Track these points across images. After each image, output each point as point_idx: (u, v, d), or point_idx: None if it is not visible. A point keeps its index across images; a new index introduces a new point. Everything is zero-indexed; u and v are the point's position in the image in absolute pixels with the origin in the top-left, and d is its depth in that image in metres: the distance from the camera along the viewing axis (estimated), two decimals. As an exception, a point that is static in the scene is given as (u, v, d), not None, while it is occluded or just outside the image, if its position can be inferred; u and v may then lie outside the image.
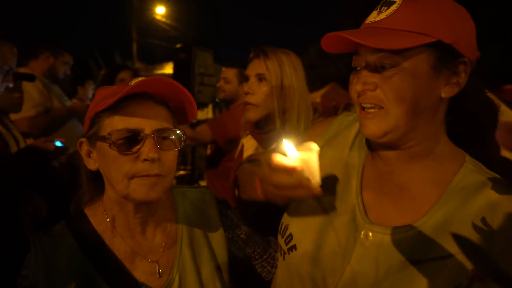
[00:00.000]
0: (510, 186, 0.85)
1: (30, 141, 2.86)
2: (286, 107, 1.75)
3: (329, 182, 1.01)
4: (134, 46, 17.24)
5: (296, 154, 0.89)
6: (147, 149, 0.94)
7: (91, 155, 1.03)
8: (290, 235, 1.02)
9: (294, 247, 1.00)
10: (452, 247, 0.82)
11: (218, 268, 1.11)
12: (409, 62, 0.84)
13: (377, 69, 0.87)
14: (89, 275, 0.98)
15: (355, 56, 0.92)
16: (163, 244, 1.09)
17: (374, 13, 0.91)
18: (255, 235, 1.25)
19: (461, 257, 0.81)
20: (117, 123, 0.96)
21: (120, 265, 1.02)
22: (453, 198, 0.87)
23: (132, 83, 0.97)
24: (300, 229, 1.01)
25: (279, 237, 1.07)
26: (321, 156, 0.94)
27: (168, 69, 10.64)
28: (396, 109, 0.86)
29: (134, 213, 1.03)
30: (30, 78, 2.79)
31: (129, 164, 0.95)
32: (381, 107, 0.88)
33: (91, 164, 1.03)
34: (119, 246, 1.04)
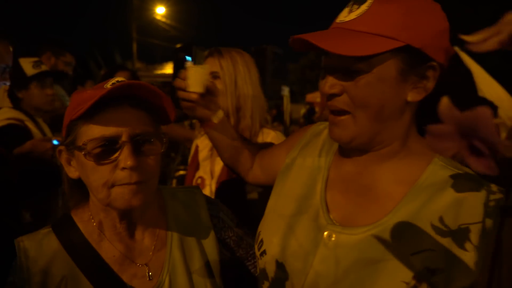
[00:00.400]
0: (476, 181, 0.84)
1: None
2: (240, 105, 1.79)
3: (296, 188, 1.03)
4: (134, 46, 17.25)
5: (190, 65, 1.21)
6: (124, 157, 0.90)
7: (71, 163, 0.99)
8: (261, 240, 1.03)
9: (264, 252, 1.00)
10: (415, 244, 0.81)
11: (209, 269, 1.10)
12: (376, 67, 0.82)
13: (344, 73, 0.85)
14: (77, 279, 0.96)
15: (325, 56, 0.90)
16: (153, 247, 1.06)
17: (346, 10, 0.87)
18: (248, 236, 1.23)
19: (424, 253, 0.79)
20: (92, 131, 0.92)
21: (108, 269, 0.99)
22: (419, 195, 0.86)
23: (108, 86, 0.93)
24: (268, 234, 1.02)
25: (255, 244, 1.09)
26: (294, 166, 1.06)
27: (168, 69, 10.64)
28: (362, 114, 0.86)
29: (120, 219, 1.01)
30: (62, 76, 2.80)
31: (108, 174, 0.91)
32: (348, 112, 0.87)
33: (72, 172, 0.99)
34: (107, 250, 1.02)
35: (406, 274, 0.79)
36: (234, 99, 1.78)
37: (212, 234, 1.14)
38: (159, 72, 11.46)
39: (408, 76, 0.84)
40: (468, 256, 0.77)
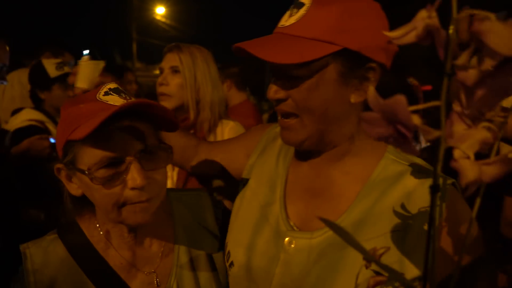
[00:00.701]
0: (426, 173, 0.87)
1: None
2: (199, 98, 1.86)
3: (257, 196, 1.04)
4: (134, 46, 17.26)
5: (83, 61, 1.23)
6: (132, 176, 0.86)
7: (72, 179, 0.93)
8: (229, 252, 1.03)
9: (232, 263, 1.00)
10: (373, 239, 0.83)
11: (216, 274, 1.08)
12: (316, 72, 0.83)
13: (286, 78, 0.86)
14: (83, 286, 0.95)
15: (270, 62, 0.86)
16: (160, 253, 1.04)
17: (287, 14, 0.86)
18: None
19: (382, 242, 0.81)
20: (93, 153, 0.85)
21: (116, 276, 0.98)
22: (372, 192, 0.88)
23: (101, 97, 0.89)
24: (234, 245, 1.02)
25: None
26: (253, 174, 1.06)
27: (168, 69, 10.63)
28: (308, 117, 0.86)
29: (128, 230, 0.99)
30: (121, 70, 2.79)
31: (117, 194, 0.87)
32: (296, 115, 0.88)
33: (74, 189, 0.94)
34: (114, 257, 0.99)
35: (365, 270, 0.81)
36: (194, 92, 1.84)
37: (217, 237, 1.13)
38: (159, 72, 11.44)
39: (349, 79, 0.84)
40: (417, 245, 0.79)
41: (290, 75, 0.85)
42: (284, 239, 0.92)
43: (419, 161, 0.93)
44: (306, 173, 0.99)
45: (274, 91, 0.88)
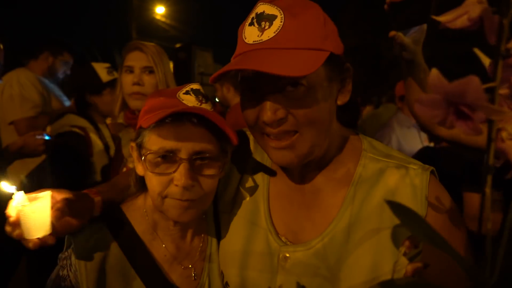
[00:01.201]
0: (404, 167, 0.89)
1: None
2: None
3: (241, 214, 1.03)
4: (134, 46, 17.23)
5: (19, 203, 0.86)
6: (179, 175, 0.91)
7: (140, 160, 1.01)
8: (222, 272, 1.04)
9: (227, 284, 1.01)
10: (367, 239, 0.85)
11: None
12: (313, 81, 0.83)
13: (282, 93, 0.83)
14: (129, 276, 0.99)
15: (251, 82, 0.85)
16: (198, 249, 1.09)
17: (253, 29, 0.83)
18: None
19: (375, 241, 0.84)
20: (154, 142, 0.94)
21: (159, 268, 1.02)
22: (357, 194, 0.89)
23: (181, 95, 0.95)
24: (226, 265, 1.02)
25: None
26: (237, 190, 1.04)
27: (168, 68, 10.64)
28: (309, 130, 0.84)
29: (173, 223, 1.05)
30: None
31: (163, 185, 0.94)
32: (296, 132, 0.85)
33: (140, 169, 1.02)
34: (158, 249, 1.04)
35: (366, 262, 0.83)
36: None
37: None
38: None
39: (334, 82, 0.87)
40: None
41: (287, 91, 0.82)
42: (278, 255, 0.92)
43: (394, 152, 0.94)
44: (289, 184, 0.99)
45: (273, 112, 0.82)
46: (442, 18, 0.48)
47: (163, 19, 20.42)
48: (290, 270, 0.90)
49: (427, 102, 0.43)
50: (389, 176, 0.89)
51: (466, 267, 0.41)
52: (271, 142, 0.87)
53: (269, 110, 0.82)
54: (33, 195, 0.89)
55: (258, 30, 0.82)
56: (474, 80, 0.39)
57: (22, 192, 0.88)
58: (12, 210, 0.87)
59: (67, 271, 0.98)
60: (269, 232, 0.95)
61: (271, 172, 1.03)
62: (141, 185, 1.06)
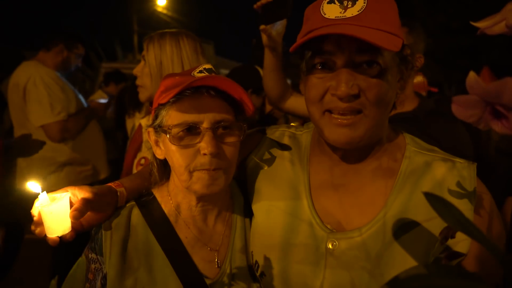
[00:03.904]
0: (449, 160, 0.92)
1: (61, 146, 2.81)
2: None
3: (278, 203, 1.02)
4: (135, 38, 17.20)
5: (40, 204, 0.91)
6: (205, 143, 0.95)
7: (158, 144, 1.05)
8: (256, 262, 1.03)
9: (263, 273, 1.00)
10: (416, 228, 0.86)
11: None
12: (388, 63, 0.85)
13: (358, 69, 0.84)
14: (154, 253, 1.02)
15: (326, 55, 0.86)
16: (222, 234, 1.10)
17: (335, 7, 0.85)
18: None
19: (425, 231, 0.86)
20: (176, 117, 0.97)
21: (182, 247, 1.05)
22: (405, 184, 0.91)
23: (196, 74, 0.99)
24: (263, 255, 1.01)
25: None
26: (260, 182, 1.07)
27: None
28: (375, 113, 0.85)
29: (196, 202, 1.06)
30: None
31: (190, 158, 0.96)
32: (359, 112, 0.85)
33: (159, 153, 1.05)
34: (181, 230, 1.07)
35: (419, 252, 0.84)
36: (159, 80, 1.70)
37: None
38: None
39: (399, 70, 0.90)
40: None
41: (363, 67, 0.84)
42: (325, 243, 0.92)
43: (436, 148, 0.98)
44: (332, 173, 1.00)
45: (349, 86, 0.82)
46: (480, 24, 0.50)
47: (164, 11, 20.35)
48: (338, 257, 0.90)
49: (464, 103, 0.46)
50: (436, 168, 0.91)
51: (498, 255, 0.41)
52: (333, 119, 0.87)
53: (344, 83, 0.82)
54: (54, 195, 0.95)
55: (340, 7, 0.84)
56: (510, 82, 0.42)
57: (45, 192, 0.93)
58: (35, 210, 0.93)
59: (95, 244, 1.03)
60: (314, 222, 0.96)
61: (309, 163, 1.05)
62: (163, 170, 1.10)
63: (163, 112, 0.99)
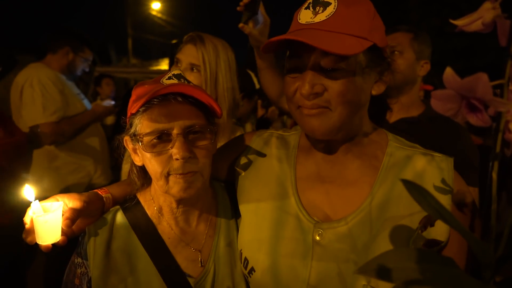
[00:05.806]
0: (428, 154, 0.98)
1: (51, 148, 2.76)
2: (215, 98, 1.71)
3: (265, 200, 1.05)
4: (130, 42, 17.19)
5: (33, 213, 0.94)
6: (177, 149, 0.97)
7: (136, 151, 1.07)
8: (246, 259, 1.05)
9: (252, 269, 1.02)
10: (399, 217, 0.91)
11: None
12: (351, 65, 0.90)
13: (323, 71, 0.90)
14: (137, 254, 1.05)
15: (295, 58, 0.93)
16: (205, 234, 1.12)
17: (308, 12, 0.92)
18: None
19: (408, 220, 0.91)
20: (147, 125, 0.99)
21: (165, 248, 1.07)
22: (388, 176, 0.97)
23: (164, 81, 1.02)
24: (252, 250, 1.04)
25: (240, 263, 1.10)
26: (248, 182, 1.10)
27: (164, 65, 10.63)
28: (341, 110, 0.91)
29: (176, 204, 1.08)
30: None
31: (164, 164, 0.98)
32: (326, 107, 0.92)
33: (137, 160, 1.07)
34: (164, 231, 1.10)
35: (402, 237, 0.89)
36: (214, 94, 1.70)
37: None
38: (155, 68, 11.44)
39: (372, 72, 0.94)
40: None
41: (327, 68, 0.90)
42: (312, 233, 0.96)
43: (418, 146, 1.03)
44: (317, 166, 1.05)
45: (311, 86, 0.90)
46: (458, 22, 0.53)
47: (159, 15, 20.37)
48: (325, 246, 0.93)
49: (441, 97, 0.49)
50: (416, 161, 0.98)
51: (473, 241, 0.42)
52: (304, 110, 0.94)
53: (308, 83, 0.90)
54: (47, 203, 0.98)
55: (312, 13, 0.91)
56: (482, 77, 0.44)
57: (38, 201, 0.96)
58: (27, 218, 0.95)
59: (80, 248, 1.05)
60: (301, 215, 0.99)
61: (295, 159, 1.09)
62: (144, 176, 1.12)
63: (136, 121, 1.02)
